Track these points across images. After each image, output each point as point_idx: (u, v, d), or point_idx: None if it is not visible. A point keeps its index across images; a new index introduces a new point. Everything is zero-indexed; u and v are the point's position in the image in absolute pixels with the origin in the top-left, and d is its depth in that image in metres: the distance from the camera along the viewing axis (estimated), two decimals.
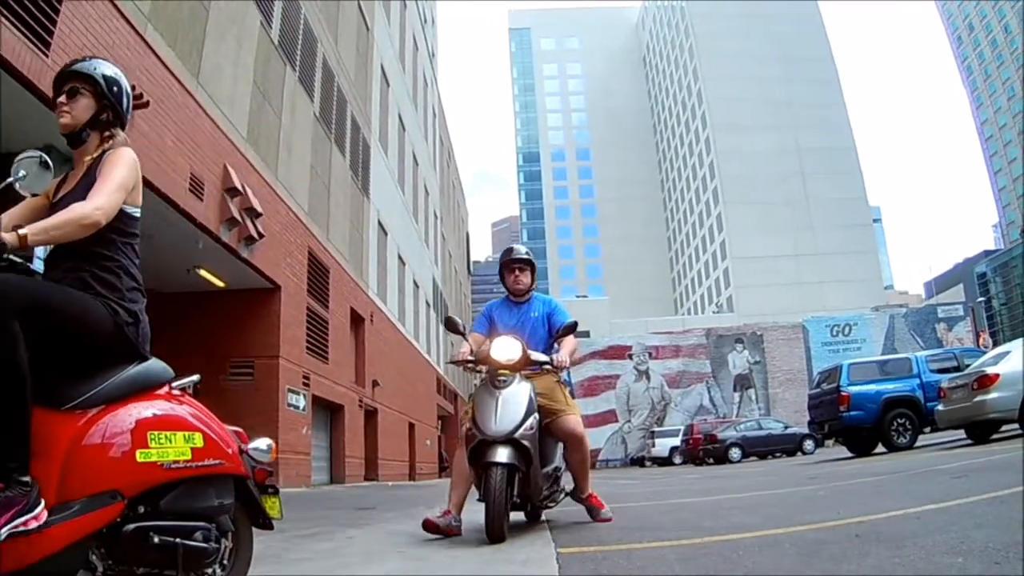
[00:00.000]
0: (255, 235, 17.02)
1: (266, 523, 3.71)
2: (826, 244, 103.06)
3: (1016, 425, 14.64)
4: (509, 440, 5.61)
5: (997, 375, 14.91)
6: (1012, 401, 14.34)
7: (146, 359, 3.28)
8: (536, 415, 5.91)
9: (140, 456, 2.97)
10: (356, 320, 26.97)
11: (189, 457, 3.13)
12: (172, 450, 3.08)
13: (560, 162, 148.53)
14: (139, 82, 12.30)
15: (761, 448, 35.28)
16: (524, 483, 5.87)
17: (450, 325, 6.65)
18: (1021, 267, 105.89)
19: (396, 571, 4.73)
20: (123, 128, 3.63)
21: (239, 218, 16.27)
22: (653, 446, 44.04)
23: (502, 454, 5.55)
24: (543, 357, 6.41)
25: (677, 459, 41.36)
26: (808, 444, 34.45)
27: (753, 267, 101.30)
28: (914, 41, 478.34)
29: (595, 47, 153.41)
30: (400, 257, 35.52)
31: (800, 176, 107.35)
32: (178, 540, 2.98)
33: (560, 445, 6.67)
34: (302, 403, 20.26)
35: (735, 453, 34.62)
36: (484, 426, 5.70)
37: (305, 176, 21.69)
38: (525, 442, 5.65)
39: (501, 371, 6.05)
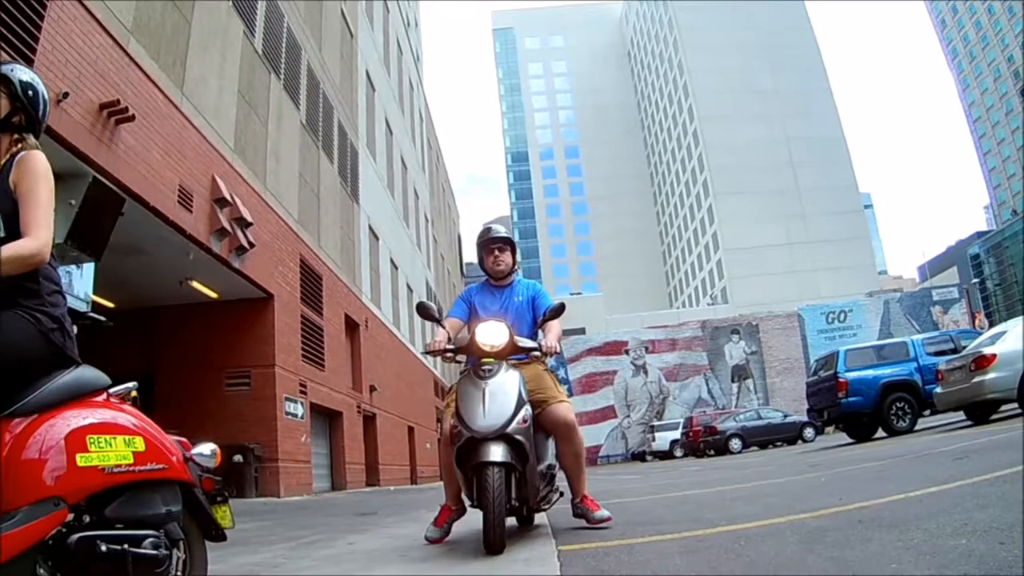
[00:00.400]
0: (246, 245, 17.00)
1: (218, 534, 3.64)
2: (818, 232, 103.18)
3: (1015, 404, 14.65)
4: (501, 436, 5.01)
5: (994, 355, 14.92)
6: (1010, 380, 14.34)
7: (77, 363, 3.22)
8: (528, 407, 5.35)
9: (80, 460, 2.90)
10: (351, 326, 26.95)
11: (131, 461, 3.06)
12: (113, 454, 3.01)
13: (549, 160, 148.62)
14: (123, 95, 12.29)
15: (761, 438, 35.32)
16: (520, 484, 5.26)
17: (423, 311, 6.01)
18: (1014, 247, 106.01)
19: (397, 575, 4.71)
20: (36, 136, 3.42)
21: (229, 228, 16.25)
22: (653, 440, 44.07)
23: (497, 452, 4.94)
24: (531, 343, 5.85)
25: (678, 452, 41.38)
26: (808, 432, 34.50)
27: (746, 257, 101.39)
28: (899, 26, 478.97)
29: (579, 45, 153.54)
30: (392, 261, 35.49)
31: (790, 165, 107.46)
32: (126, 548, 2.91)
33: (551, 441, 5.98)
34: (300, 411, 20.24)
35: (735, 444, 34.67)
36: (471, 422, 5.09)
37: (294, 184, 21.66)
38: (519, 437, 5.08)
39: (485, 359, 5.52)
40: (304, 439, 20.40)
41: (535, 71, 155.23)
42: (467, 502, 5.65)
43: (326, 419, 23.87)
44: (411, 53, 49.24)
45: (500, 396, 5.23)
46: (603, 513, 5.93)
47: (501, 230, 6.50)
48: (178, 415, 17.36)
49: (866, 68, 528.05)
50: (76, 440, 2.92)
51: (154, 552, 2.99)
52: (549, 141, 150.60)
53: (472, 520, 5.70)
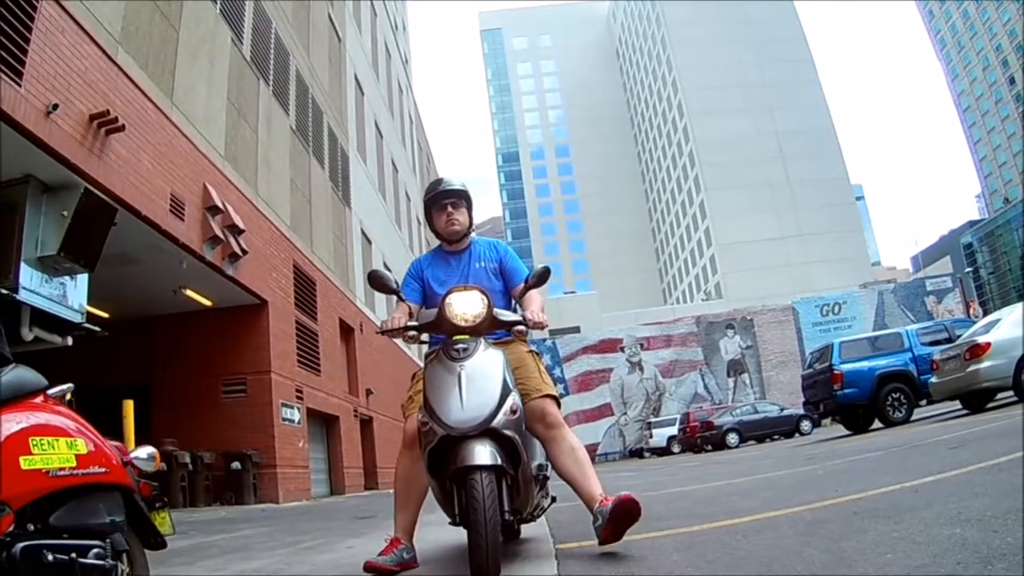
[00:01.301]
0: (239, 252, 17.00)
1: (158, 541, 3.47)
2: (811, 225, 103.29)
3: (1011, 392, 14.68)
4: (486, 432, 3.99)
5: (989, 344, 14.98)
6: (1005, 369, 14.38)
7: (12, 363, 3.06)
8: (516, 394, 4.30)
9: (24, 463, 2.76)
10: (346, 331, 26.96)
11: (74, 464, 2.93)
12: (56, 457, 2.87)
13: (540, 160, 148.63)
14: (113, 105, 12.30)
15: (758, 432, 35.40)
16: (513, 492, 4.27)
17: (376, 281, 4.85)
18: (1007, 235, 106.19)
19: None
20: None
21: (222, 236, 16.25)
22: (651, 437, 44.20)
23: (484, 453, 3.90)
24: (513, 315, 4.75)
25: (675, 448, 41.47)
26: (805, 425, 34.58)
27: (739, 252, 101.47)
28: (886, 17, 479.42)
29: (567, 44, 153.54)
30: (386, 265, 35.47)
31: (780, 158, 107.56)
32: (74, 557, 2.78)
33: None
34: (297, 416, 20.25)
35: (733, 438, 34.70)
36: (446, 416, 4.04)
37: (286, 190, 21.67)
38: (509, 432, 4.05)
39: (458, 336, 4.40)
40: (302, 444, 20.41)
41: (524, 71, 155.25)
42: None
43: (323, 424, 23.88)
44: (399, 56, 49.25)
45: (481, 381, 4.17)
46: (615, 499, 4.35)
47: (454, 182, 5.30)
48: (175, 423, 17.45)
49: (854, 60, 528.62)
50: (18, 442, 2.80)
51: (101, 563, 2.87)
52: (539, 140, 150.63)
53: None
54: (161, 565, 6.05)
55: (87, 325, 12.70)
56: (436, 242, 5.50)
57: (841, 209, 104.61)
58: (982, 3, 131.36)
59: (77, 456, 2.97)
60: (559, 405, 4.82)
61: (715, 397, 49.36)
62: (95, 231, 11.92)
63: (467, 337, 4.40)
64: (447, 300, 4.50)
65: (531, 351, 5.04)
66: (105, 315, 16.59)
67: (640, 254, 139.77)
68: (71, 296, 12.21)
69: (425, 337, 4.96)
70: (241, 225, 17.07)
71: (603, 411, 49.48)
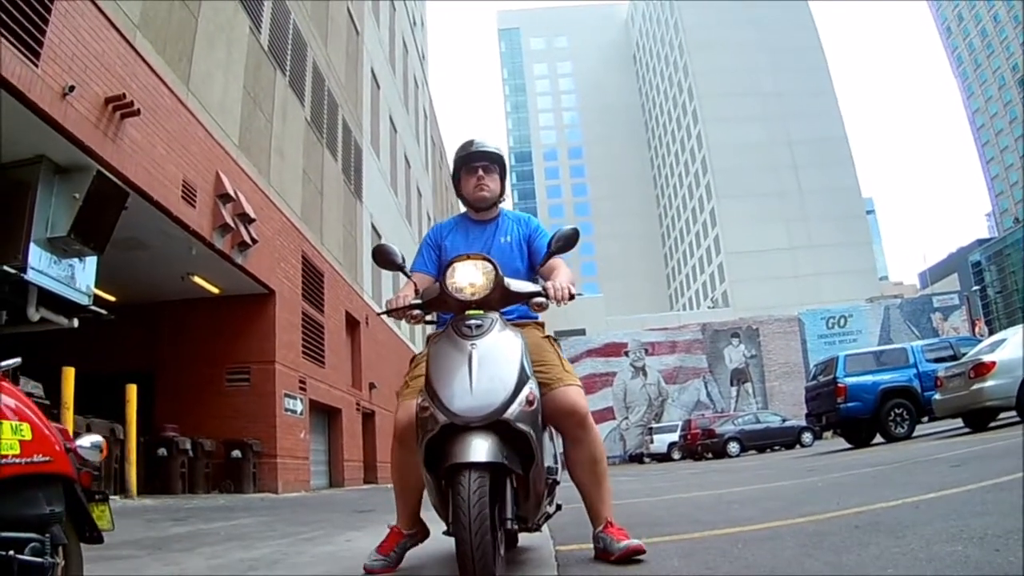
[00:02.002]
0: (248, 241, 17.01)
1: (95, 535, 3.10)
2: (820, 236, 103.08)
3: (1014, 412, 14.67)
4: (495, 424, 3.42)
5: (994, 363, 14.95)
6: (1009, 388, 14.37)
7: None
8: (535, 382, 3.72)
9: None
10: (352, 324, 26.97)
11: (18, 452, 2.63)
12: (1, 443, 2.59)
13: (552, 161, 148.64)
14: (129, 90, 12.32)
15: (759, 441, 35.35)
16: (520, 496, 3.77)
17: (381, 256, 4.26)
18: (1015, 255, 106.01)
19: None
20: None
21: (232, 224, 16.27)
22: (651, 442, 44.10)
23: (480, 448, 3.32)
24: (531, 286, 4.14)
25: (676, 455, 41.37)
26: (806, 436, 34.52)
27: (748, 261, 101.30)
28: (903, 32, 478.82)
29: (585, 45, 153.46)
30: None
31: (793, 168, 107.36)
32: (12, 554, 2.51)
33: (554, 436, 4.48)
34: (299, 408, 20.26)
35: (733, 447, 34.66)
36: (450, 401, 3.46)
37: (298, 181, 21.69)
38: (523, 426, 3.48)
39: (471, 311, 3.80)
40: (303, 436, 20.42)
41: (540, 71, 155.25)
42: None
43: (325, 416, 23.90)
44: (416, 52, 49.27)
45: (495, 364, 3.58)
46: (628, 542, 4.11)
47: (488, 143, 4.78)
48: (178, 410, 17.48)
49: (870, 73, 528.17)
50: None
51: (40, 560, 2.60)
52: (553, 142, 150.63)
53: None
54: (159, 551, 6.07)
55: (94, 308, 12.73)
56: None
57: (851, 222, 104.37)
58: (1001, 22, 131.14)
59: (22, 443, 2.68)
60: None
61: (717, 405, 49.30)
62: (106, 214, 11.94)
63: (482, 312, 3.80)
64: (449, 269, 3.92)
65: (548, 337, 4.54)
66: (112, 299, 16.62)
67: (648, 258, 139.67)
68: (79, 278, 12.24)
69: (432, 317, 4.40)
70: (252, 214, 17.09)
71: (604, 415, 49.37)
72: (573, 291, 4.16)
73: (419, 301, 4.14)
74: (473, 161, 4.69)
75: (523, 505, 3.84)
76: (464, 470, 3.28)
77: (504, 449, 3.41)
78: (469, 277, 3.86)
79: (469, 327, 3.71)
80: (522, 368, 3.63)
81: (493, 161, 4.72)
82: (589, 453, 4.27)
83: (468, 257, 3.93)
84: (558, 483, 4.57)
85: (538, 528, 4.55)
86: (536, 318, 4.59)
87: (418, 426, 3.63)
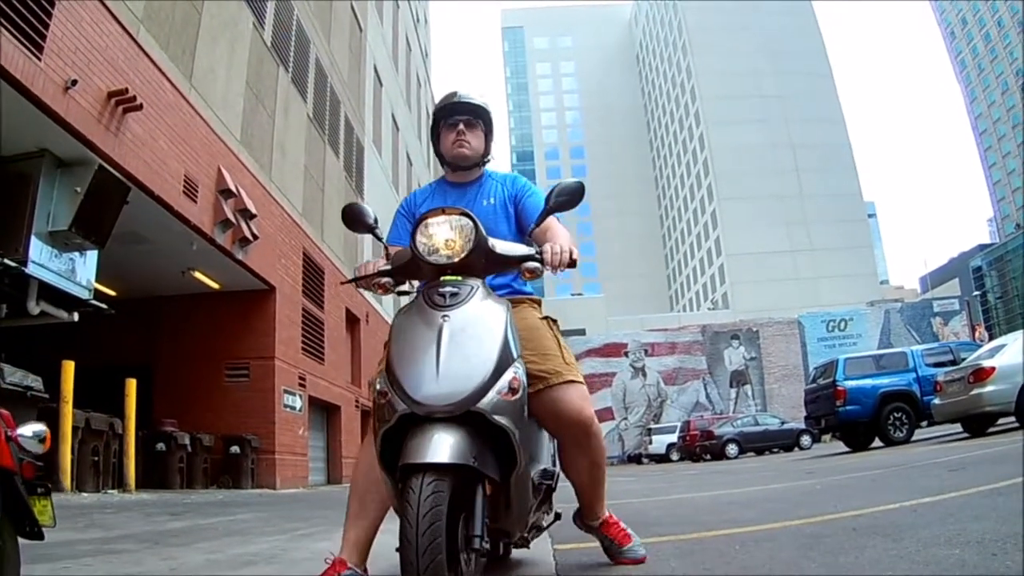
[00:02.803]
0: (249, 236, 17.04)
1: (35, 531, 2.70)
2: (821, 240, 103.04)
3: (1013, 418, 14.67)
4: (466, 417, 2.76)
5: (993, 368, 14.97)
6: (1008, 394, 14.37)
7: None
8: (521, 365, 3.04)
9: None
10: (351, 320, 27.00)
11: None
12: None
13: (554, 161, 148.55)
14: (132, 84, 12.33)
15: (758, 444, 35.37)
16: (500, 506, 3.12)
17: (350, 217, 3.70)
18: (1016, 261, 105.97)
19: (393, 570, 4.70)
20: None
21: (233, 220, 16.29)
22: (650, 443, 44.12)
23: (440, 446, 2.66)
24: (521, 248, 3.45)
25: (674, 456, 41.40)
26: (805, 439, 34.48)
27: (748, 263, 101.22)
28: (907, 36, 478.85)
29: (588, 45, 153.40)
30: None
31: (795, 171, 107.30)
32: None
33: (547, 435, 3.76)
34: (298, 404, 20.28)
35: (732, 449, 34.66)
36: (412, 385, 2.79)
37: (299, 177, 21.71)
38: (501, 419, 2.80)
39: (446, 277, 3.15)
40: (302, 432, 20.44)
41: (543, 71, 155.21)
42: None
43: (324, 413, 23.93)
44: (419, 49, 49.27)
45: (471, 340, 2.92)
46: (636, 550, 3.92)
47: (474, 95, 4.09)
48: (176, 405, 17.49)
49: (873, 77, 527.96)
50: None
51: None
52: (555, 141, 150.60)
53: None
54: (157, 546, 6.07)
55: (94, 302, 12.74)
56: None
57: (853, 225, 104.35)
58: (1004, 27, 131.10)
59: None
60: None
61: (716, 407, 49.31)
62: (107, 208, 11.96)
63: (459, 278, 3.13)
64: (420, 226, 3.23)
65: (548, 318, 3.82)
66: (112, 293, 16.63)
67: (649, 259, 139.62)
68: (80, 272, 12.25)
69: (408, 288, 3.72)
70: (253, 210, 17.11)
71: (603, 415, 49.32)
72: (575, 255, 3.44)
73: (388, 267, 3.53)
74: (454, 114, 4.04)
75: (504, 517, 3.19)
76: (417, 473, 2.61)
77: (475, 448, 2.73)
78: (444, 235, 3.19)
79: (442, 295, 3.05)
80: (505, 346, 2.96)
81: (477, 115, 4.04)
82: (591, 459, 3.70)
83: (443, 211, 3.25)
84: (554, 489, 3.86)
85: (526, 544, 4.02)
86: (531, 293, 3.99)
87: (374, 416, 2.97)
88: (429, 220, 3.22)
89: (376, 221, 3.68)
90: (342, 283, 4.85)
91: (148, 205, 13.49)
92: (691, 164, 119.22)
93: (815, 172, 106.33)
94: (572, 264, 3.38)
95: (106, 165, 11.79)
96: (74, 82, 10.77)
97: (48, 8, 10.22)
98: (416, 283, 3.61)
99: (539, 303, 3.95)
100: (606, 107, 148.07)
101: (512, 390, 2.88)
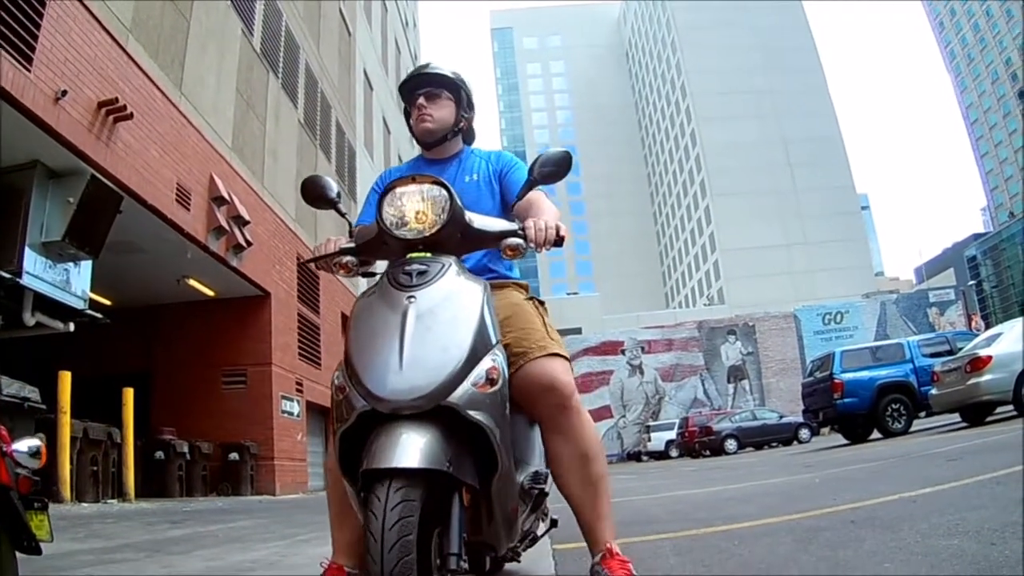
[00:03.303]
0: (243, 243, 17.03)
1: (32, 546, 2.67)
2: (815, 233, 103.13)
3: (1011, 406, 14.69)
4: (437, 413, 2.37)
5: (990, 357, 14.99)
6: (1006, 382, 14.39)
7: None
8: (500, 351, 2.66)
9: None
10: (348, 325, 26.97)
11: None
12: None
13: None
14: (122, 94, 12.31)
15: (757, 438, 35.31)
16: (480, 516, 2.73)
17: (309, 190, 3.30)
18: (1011, 249, 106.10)
19: None
20: None
21: (227, 227, 16.28)
22: (649, 440, 44.05)
23: (410, 448, 2.26)
24: (500, 223, 3.04)
25: (673, 452, 41.32)
26: (803, 433, 34.41)
27: (743, 258, 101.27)
28: (896, 27, 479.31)
29: (577, 45, 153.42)
30: None
31: (787, 166, 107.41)
32: None
33: (537, 430, 3.20)
34: (296, 409, 20.27)
35: (731, 444, 34.66)
36: (373, 379, 2.41)
37: (292, 182, 21.67)
38: (477, 415, 2.42)
39: (413, 254, 2.74)
40: (300, 437, 20.44)
41: (533, 71, 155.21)
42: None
43: (322, 418, 23.87)
44: (409, 52, 49.24)
45: (440, 325, 2.50)
46: None
47: (442, 67, 3.74)
48: (174, 413, 17.47)
49: (864, 69, 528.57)
50: None
51: None
52: (546, 141, 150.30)
53: None
54: (158, 554, 6.07)
55: (89, 312, 12.74)
56: None
57: (846, 218, 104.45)
58: (993, 16, 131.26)
59: None
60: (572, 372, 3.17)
61: (715, 402, 49.24)
62: (100, 218, 11.96)
63: (428, 255, 2.73)
64: (387, 196, 2.83)
65: (533, 299, 3.42)
66: (108, 302, 16.60)
67: (644, 257, 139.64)
68: (74, 282, 12.24)
69: (377, 269, 3.17)
70: (246, 216, 17.10)
71: (602, 413, 49.26)
72: (562, 231, 2.96)
73: (351, 244, 3.08)
74: (415, 90, 3.68)
75: (487, 529, 2.78)
76: (381, 480, 2.22)
77: (449, 450, 2.34)
78: (414, 206, 2.79)
79: (408, 274, 2.64)
80: (481, 330, 2.56)
81: (439, 85, 3.65)
82: (577, 448, 3.05)
83: (413, 179, 2.83)
84: (547, 493, 3.36)
85: (516, 557, 3.61)
86: (517, 277, 3.60)
87: (333, 414, 2.66)
88: (398, 189, 2.82)
89: (339, 195, 3.31)
90: (302, 263, 4.45)
91: (141, 214, 13.47)
92: (683, 161, 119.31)
93: (807, 166, 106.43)
94: (559, 242, 2.95)
95: (98, 175, 11.78)
96: (64, 93, 10.75)
97: (36, 19, 10.20)
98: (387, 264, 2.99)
99: (526, 288, 3.53)
100: (597, 106, 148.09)
101: (490, 380, 2.49)
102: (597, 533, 3.08)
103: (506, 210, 3.42)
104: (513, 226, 2.96)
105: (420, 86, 3.65)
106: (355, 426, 2.43)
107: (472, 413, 2.39)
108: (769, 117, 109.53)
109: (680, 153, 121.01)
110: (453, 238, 2.81)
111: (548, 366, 3.00)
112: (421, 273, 2.61)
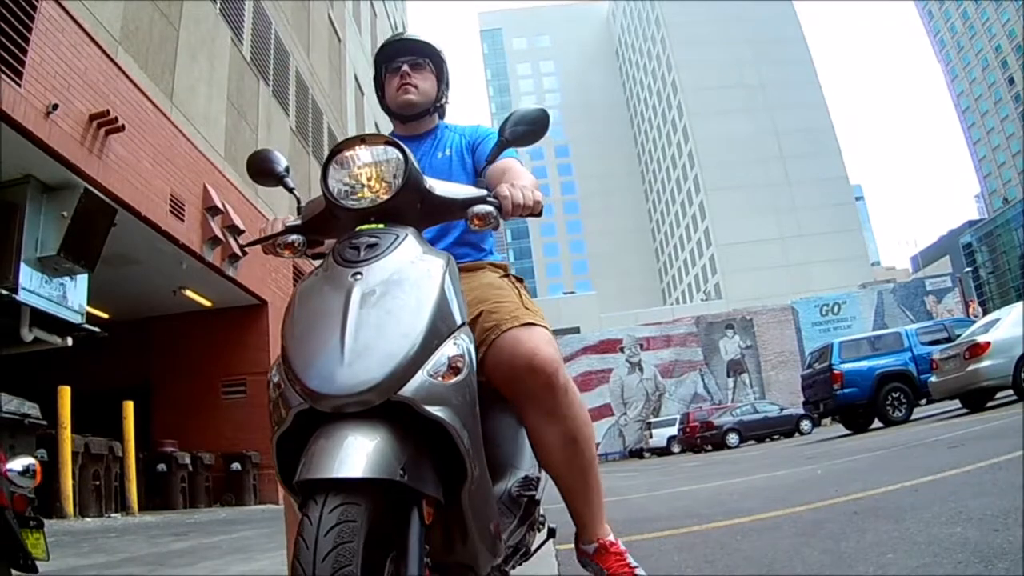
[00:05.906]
0: (239, 253, 17.00)
1: (28, 564, 2.66)
2: (810, 225, 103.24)
3: (1011, 391, 14.71)
4: (387, 410, 1.88)
5: (988, 343, 15.02)
6: (1005, 368, 14.43)
7: None
8: (467, 334, 2.19)
9: None
10: None
11: None
12: None
13: (539, 160, 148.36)
14: (113, 106, 12.29)
15: (758, 432, 35.34)
16: (452, 532, 2.12)
17: (255, 165, 3.00)
18: (1006, 235, 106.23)
19: None
20: None
21: (221, 237, 16.24)
22: (651, 437, 44.07)
23: (354, 454, 1.76)
24: (467, 189, 2.61)
25: (675, 448, 41.33)
26: (805, 424, 34.45)
27: (739, 252, 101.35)
28: (886, 17, 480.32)
29: (567, 44, 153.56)
30: None
31: (780, 159, 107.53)
32: None
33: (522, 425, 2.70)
34: None
35: (732, 438, 34.63)
36: (310, 371, 1.95)
37: (285, 192, 21.64)
38: (436, 411, 1.91)
39: (363, 226, 2.32)
40: None
41: (523, 71, 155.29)
42: None
43: None
44: None
45: (393, 303, 2.04)
46: None
47: (421, 35, 3.41)
48: (175, 424, 17.46)
49: (854, 60, 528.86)
50: None
51: None
52: (539, 141, 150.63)
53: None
54: (162, 567, 6.06)
55: (87, 326, 12.71)
56: None
57: (841, 209, 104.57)
58: (981, 4, 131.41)
59: None
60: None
61: (715, 397, 49.21)
62: (95, 231, 11.94)
63: (380, 226, 2.30)
64: (333, 160, 2.43)
65: (510, 276, 3.05)
66: (105, 316, 16.58)
67: (640, 254, 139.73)
68: (71, 297, 12.22)
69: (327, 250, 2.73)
70: (241, 226, 17.06)
71: (603, 411, 49.26)
72: (538, 196, 2.56)
73: (297, 222, 2.76)
74: (396, 56, 3.33)
75: (460, 549, 2.17)
76: (317, 494, 1.72)
77: (404, 455, 1.85)
78: (365, 172, 2.37)
79: (356, 248, 2.21)
80: (441, 309, 2.09)
81: (424, 55, 3.34)
82: (566, 431, 2.58)
83: (362, 140, 2.40)
84: (538, 502, 2.79)
85: (503, 573, 2.68)
86: (495, 257, 3.24)
87: (270, 416, 2.29)
88: (345, 152, 2.39)
89: (288, 171, 2.95)
90: (243, 246, 3.95)
91: (136, 226, 13.45)
92: (676, 157, 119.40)
93: (800, 158, 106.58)
94: (535, 212, 2.55)
95: (91, 188, 11.76)
96: (55, 106, 10.73)
97: (25, 33, 10.18)
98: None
99: (504, 268, 3.13)
100: (588, 104, 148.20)
101: (453, 369, 2.01)
102: (587, 522, 2.73)
103: (479, 179, 3.01)
104: (481, 192, 2.57)
105: (402, 53, 3.33)
106: (294, 429, 2.03)
107: (431, 409, 1.91)
108: (761, 110, 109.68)
109: (673, 149, 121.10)
110: (411, 207, 2.42)
111: (524, 336, 2.56)
112: (371, 246, 2.19)
